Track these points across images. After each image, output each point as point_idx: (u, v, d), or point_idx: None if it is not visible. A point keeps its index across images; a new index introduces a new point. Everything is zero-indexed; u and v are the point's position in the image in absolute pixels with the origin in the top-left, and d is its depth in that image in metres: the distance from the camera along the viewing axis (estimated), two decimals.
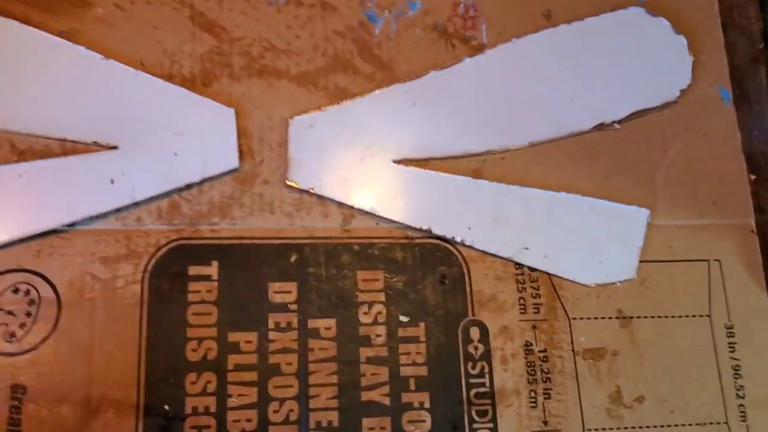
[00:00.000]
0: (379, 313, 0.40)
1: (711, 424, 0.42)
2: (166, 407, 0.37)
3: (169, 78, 0.41)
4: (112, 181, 0.38)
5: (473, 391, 0.40)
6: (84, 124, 0.39)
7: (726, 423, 0.42)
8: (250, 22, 0.43)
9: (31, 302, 0.37)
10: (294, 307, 0.39)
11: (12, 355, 0.36)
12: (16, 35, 0.39)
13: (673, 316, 0.43)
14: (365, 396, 0.39)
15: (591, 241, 0.43)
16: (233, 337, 0.38)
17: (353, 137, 0.42)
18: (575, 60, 0.45)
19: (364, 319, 0.40)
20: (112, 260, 0.38)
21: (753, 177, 0.46)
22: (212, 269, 0.39)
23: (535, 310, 0.42)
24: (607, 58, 0.45)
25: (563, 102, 0.44)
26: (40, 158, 0.38)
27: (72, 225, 0.38)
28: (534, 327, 0.41)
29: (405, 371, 0.40)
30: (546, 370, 0.41)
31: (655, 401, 0.41)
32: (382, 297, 0.40)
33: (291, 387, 0.38)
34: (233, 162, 0.40)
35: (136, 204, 0.39)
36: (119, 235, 0.39)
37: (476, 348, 0.41)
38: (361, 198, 0.41)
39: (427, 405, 0.39)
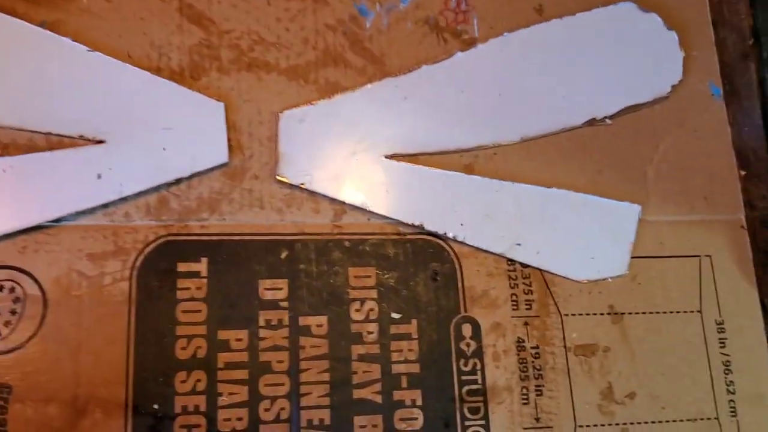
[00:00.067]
0: (371, 310, 0.40)
1: (702, 419, 0.42)
2: (156, 406, 0.36)
3: (157, 71, 0.40)
4: (99, 176, 0.38)
5: (465, 389, 0.40)
6: (70, 118, 0.38)
7: (717, 419, 0.42)
8: (239, 14, 0.42)
9: (17, 300, 0.36)
10: (285, 304, 0.39)
11: None
12: None
13: (664, 312, 0.43)
14: (357, 394, 0.39)
15: (583, 237, 0.43)
16: (223, 334, 0.38)
17: (344, 132, 0.41)
18: (567, 55, 0.45)
19: (355, 316, 0.40)
20: (100, 257, 0.37)
21: (743, 173, 0.46)
22: (201, 266, 0.38)
23: (527, 307, 0.42)
24: (599, 53, 0.45)
25: (555, 97, 0.44)
26: (25, 152, 0.37)
27: (58, 221, 0.37)
28: (526, 323, 0.41)
29: (397, 368, 0.39)
30: (538, 367, 0.41)
31: (647, 397, 0.41)
32: (373, 294, 0.40)
33: (282, 385, 0.38)
34: (222, 157, 0.40)
35: (124, 199, 0.38)
36: (106, 231, 0.38)
37: (468, 345, 0.40)
38: (353, 193, 0.41)
39: (419, 402, 0.39)
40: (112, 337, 0.36)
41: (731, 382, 0.42)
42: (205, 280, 0.38)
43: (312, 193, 0.40)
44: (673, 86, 0.45)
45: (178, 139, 0.39)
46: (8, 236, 0.36)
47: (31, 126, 0.38)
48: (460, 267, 0.41)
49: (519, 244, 0.42)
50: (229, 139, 0.40)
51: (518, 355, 0.41)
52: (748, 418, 0.42)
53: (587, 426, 0.41)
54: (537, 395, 0.40)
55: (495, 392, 0.40)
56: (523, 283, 0.42)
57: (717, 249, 0.44)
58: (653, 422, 0.41)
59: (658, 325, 0.43)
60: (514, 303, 0.41)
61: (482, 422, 0.39)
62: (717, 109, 0.47)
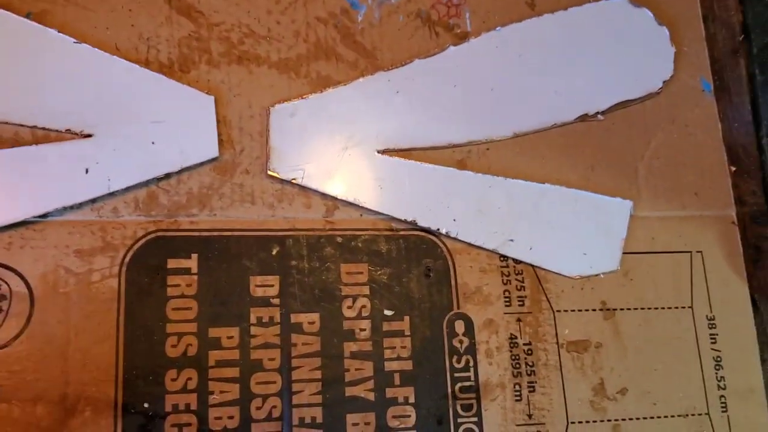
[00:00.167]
0: (364, 306, 0.39)
1: (693, 415, 0.42)
2: (146, 405, 0.35)
3: (146, 63, 0.39)
4: (86, 171, 0.37)
5: (458, 385, 0.39)
6: (56, 111, 0.37)
7: (707, 414, 0.42)
8: (229, 6, 0.41)
9: (2, 297, 0.35)
10: (276, 301, 0.38)
11: None
12: None
13: (655, 308, 0.43)
14: (349, 391, 0.38)
15: (575, 233, 0.43)
16: (214, 332, 0.37)
17: (336, 126, 0.41)
18: (559, 50, 0.45)
19: (348, 313, 0.39)
20: (87, 253, 0.37)
21: (733, 169, 0.46)
22: (192, 262, 0.38)
23: (520, 303, 0.41)
24: (591, 48, 0.45)
25: (547, 92, 0.44)
26: (11, 146, 0.37)
27: (44, 216, 0.37)
28: (519, 320, 0.41)
29: (390, 366, 0.39)
30: (530, 363, 0.41)
31: (638, 393, 0.42)
32: (366, 290, 0.40)
33: (274, 383, 0.37)
34: (213, 151, 0.39)
35: (112, 194, 0.37)
36: (94, 227, 0.37)
37: (461, 341, 0.40)
38: (345, 189, 0.40)
39: (411, 400, 0.39)
40: (101, 335, 0.36)
41: (722, 377, 0.43)
42: (195, 277, 0.38)
43: (303, 188, 0.40)
44: (665, 82, 0.45)
45: (168, 133, 0.38)
46: None
47: (17, 119, 0.37)
48: (453, 263, 0.41)
49: (512, 240, 0.42)
50: (219, 134, 0.39)
51: (511, 351, 0.41)
52: (738, 413, 0.42)
53: (579, 422, 0.40)
54: (530, 392, 0.40)
55: (488, 389, 0.40)
56: (516, 280, 0.42)
57: (708, 245, 0.45)
58: (645, 418, 0.41)
59: (650, 321, 0.43)
60: (507, 299, 0.41)
61: (475, 419, 0.39)
62: (708, 105, 0.47)
